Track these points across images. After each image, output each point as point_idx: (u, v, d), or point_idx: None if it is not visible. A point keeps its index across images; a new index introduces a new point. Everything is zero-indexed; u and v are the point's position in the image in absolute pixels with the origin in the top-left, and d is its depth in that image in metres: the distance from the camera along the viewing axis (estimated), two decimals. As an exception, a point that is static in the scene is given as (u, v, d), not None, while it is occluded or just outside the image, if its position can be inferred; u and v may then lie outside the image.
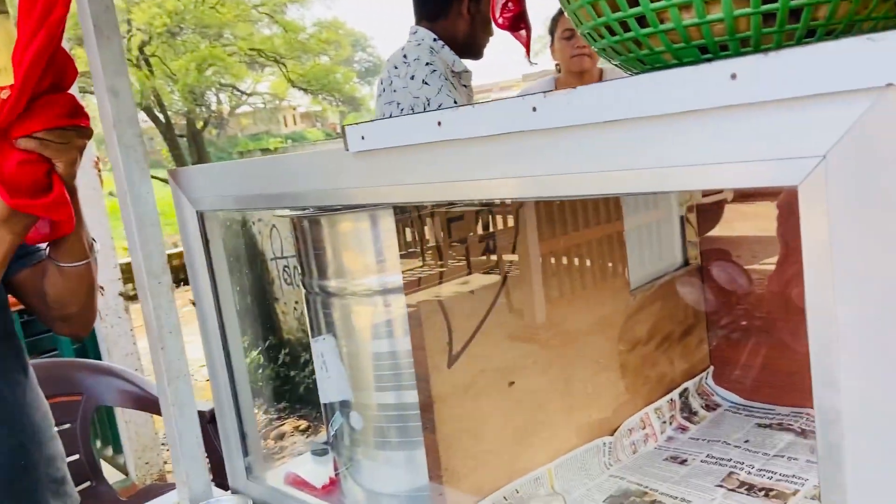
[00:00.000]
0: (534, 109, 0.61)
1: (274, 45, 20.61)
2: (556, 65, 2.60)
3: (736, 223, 1.35)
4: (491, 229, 0.88)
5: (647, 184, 0.55)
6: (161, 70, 18.20)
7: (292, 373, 4.40)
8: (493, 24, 1.81)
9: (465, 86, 1.89)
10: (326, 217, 0.95)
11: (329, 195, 0.87)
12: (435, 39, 1.87)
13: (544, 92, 0.60)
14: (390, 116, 1.70)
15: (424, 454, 0.99)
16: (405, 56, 1.88)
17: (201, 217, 1.11)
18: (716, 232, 1.36)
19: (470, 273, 0.86)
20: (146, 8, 16.89)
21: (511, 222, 0.91)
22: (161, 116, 18.40)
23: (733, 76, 0.48)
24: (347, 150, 0.80)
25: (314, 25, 22.49)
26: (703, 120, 0.50)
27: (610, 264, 1.09)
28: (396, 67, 1.87)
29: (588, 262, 1.05)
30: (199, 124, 21.25)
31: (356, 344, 0.97)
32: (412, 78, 1.82)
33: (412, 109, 1.76)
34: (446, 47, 1.86)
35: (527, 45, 0.86)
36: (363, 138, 0.78)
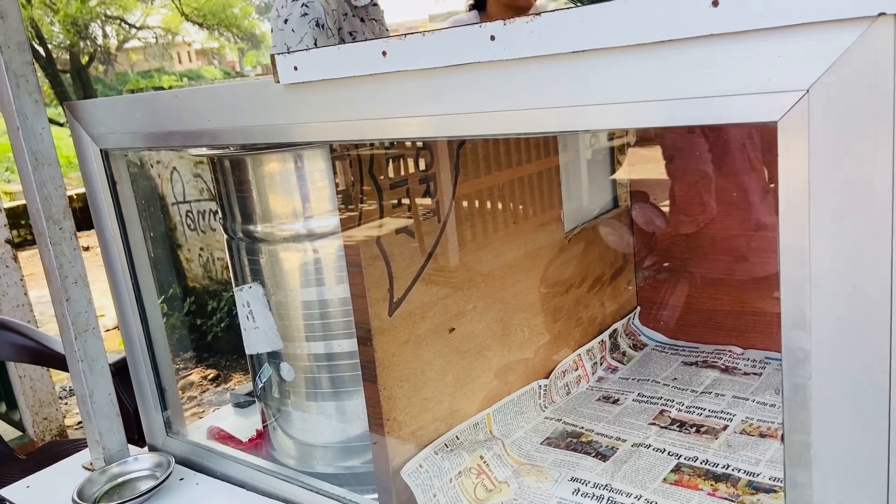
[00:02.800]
0: (492, 38, 0.57)
1: (165, -26, 19.25)
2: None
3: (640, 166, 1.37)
4: (431, 170, 0.84)
5: (619, 119, 0.53)
6: (38, -2, 16.68)
7: (198, 321, 4.26)
8: None
9: (374, 20, 1.73)
10: (252, 156, 0.88)
11: (257, 132, 0.80)
12: None
13: (503, 21, 0.56)
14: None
15: (357, 404, 0.96)
16: None
17: (106, 156, 1.01)
18: (639, 175, 1.38)
19: (410, 217, 0.82)
20: (19, -73, 15.33)
21: (450, 163, 0.87)
22: (41, 50, 16.96)
23: (715, 3, 0.45)
24: (278, 81, 0.73)
25: (210, -46, 21.11)
26: (681, 50, 0.48)
27: (546, 208, 1.08)
28: (282, 6, 1.64)
29: (525, 205, 1.03)
30: (84, 59, 19.74)
31: (286, 292, 0.92)
32: (286, 21, 1.61)
33: None
34: None
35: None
36: (296, 69, 0.71)
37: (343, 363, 0.92)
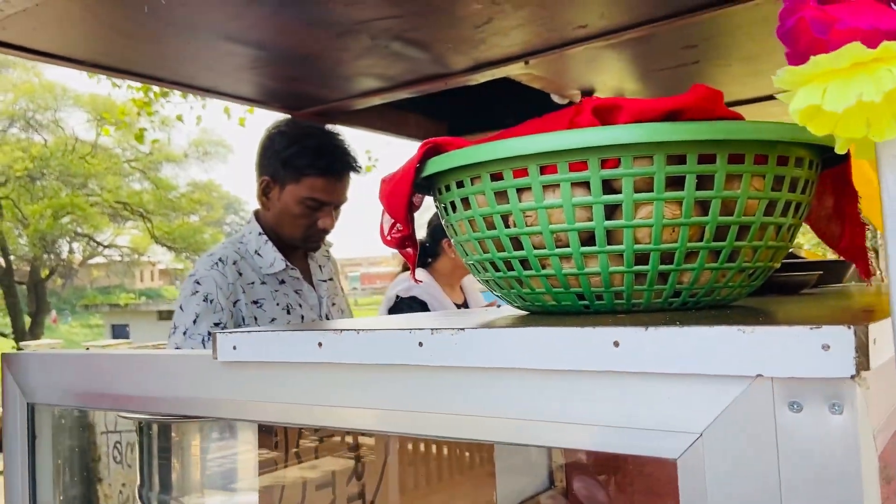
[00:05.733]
0: (420, 345, 0.60)
1: (142, 200, 20.23)
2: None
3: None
4: (360, 451, 0.84)
5: (528, 436, 0.55)
6: (12, 213, 17.21)
7: (108, 567, 3.84)
8: (322, 228, 1.61)
9: (297, 279, 1.66)
10: (178, 425, 0.87)
11: (189, 404, 0.80)
12: (260, 233, 1.63)
13: (432, 329, 0.60)
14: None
15: None
16: (210, 254, 1.61)
17: (31, 409, 0.98)
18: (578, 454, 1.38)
19: (335, 499, 0.79)
20: (8, 151, 16.25)
21: (382, 447, 0.87)
22: (1, 261, 17.11)
23: (616, 343, 0.49)
24: (216, 358, 0.75)
25: (188, 185, 22.44)
26: (586, 380, 0.51)
27: (478, 489, 1.06)
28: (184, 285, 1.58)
29: (457, 489, 1.02)
30: (45, 272, 19.90)
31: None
32: (178, 301, 1.57)
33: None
34: (268, 244, 1.62)
35: (412, 263, 0.88)
36: (234, 348, 0.74)
37: None
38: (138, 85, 6.17)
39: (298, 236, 1.64)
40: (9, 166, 16.13)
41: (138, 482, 0.94)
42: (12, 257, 17.94)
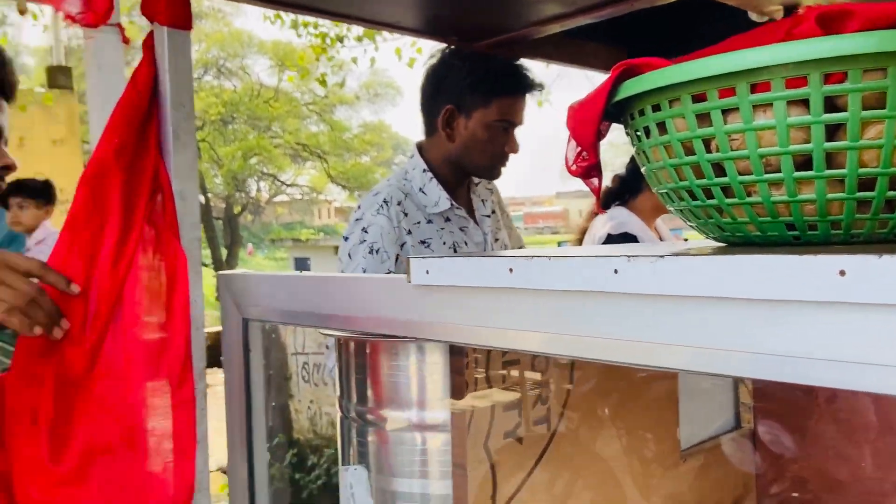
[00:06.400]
0: (615, 272, 0.59)
1: (319, 141, 21.42)
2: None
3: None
4: (546, 377, 0.85)
5: (737, 368, 0.52)
6: (208, 155, 18.91)
7: (297, 475, 4.26)
8: (509, 153, 1.59)
9: (462, 217, 1.65)
10: (375, 342, 0.93)
11: (383, 324, 0.85)
12: (424, 170, 1.61)
13: (628, 256, 0.59)
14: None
15: None
16: (375, 193, 1.61)
17: (245, 324, 1.09)
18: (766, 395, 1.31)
19: (520, 422, 0.82)
20: (204, 97, 17.78)
21: (566, 374, 0.88)
22: (201, 198, 18.96)
23: (842, 273, 0.46)
24: (409, 282, 0.79)
25: (360, 126, 23.42)
26: (805, 311, 0.48)
27: (661, 423, 1.05)
28: (351, 223, 1.60)
29: (639, 419, 1.01)
30: (237, 209, 21.83)
31: (388, 480, 0.92)
32: (346, 239, 1.59)
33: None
34: (433, 181, 1.60)
35: (597, 193, 0.86)
36: (427, 272, 0.77)
37: (440, 565, 0.89)
38: (316, 32, 6.46)
39: (485, 163, 1.62)
40: (204, 111, 17.67)
41: (338, 392, 1.03)
42: (209, 195, 19.84)
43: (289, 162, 22.88)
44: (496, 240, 1.77)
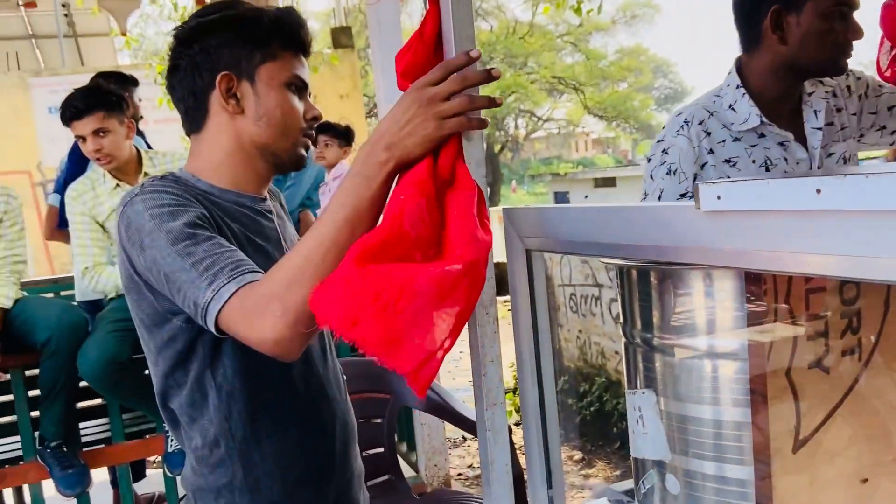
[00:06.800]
0: (951, 187, 0.53)
1: (574, 72, 21.11)
2: None
3: None
4: (856, 305, 0.79)
5: None
6: (469, 96, 19.64)
7: (569, 401, 4.42)
8: (852, 40, 1.44)
9: (778, 133, 1.54)
10: (660, 270, 0.94)
11: (670, 252, 0.85)
12: (738, 86, 1.55)
13: (968, 168, 0.52)
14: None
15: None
16: (678, 114, 1.61)
17: (528, 255, 1.16)
18: None
19: (827, 352, 0.77)
20: (465, 40, 18.40)
21: (880, 302, 0.80)
22: (465, 139, 19.85)
23: None
24: (699, 208, 0.78)
25: (616, 53, 22.59)
26: None
27: None
28: (654, 144, 1.62)
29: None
30: (497, 147, 22.55)
31: (678, 405, 0.94)
32: (649, 160, 1.60)
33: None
34: (745, 97, 1.53)
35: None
36: (719, 198, 0.75)
37: (732, 489, 0.89)
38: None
39: (827, 58, 1.49)
40: (465, 54, 18.31)
41: (622, 319, 1.06)
42: (472, 135, 20.68)
43: (545, 97, 22.94)
44: (830, 154, 1.60)
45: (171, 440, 2.66)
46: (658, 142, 1.59)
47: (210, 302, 0.91)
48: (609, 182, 17.88)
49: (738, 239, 0.75)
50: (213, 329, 0.93)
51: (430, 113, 0.91)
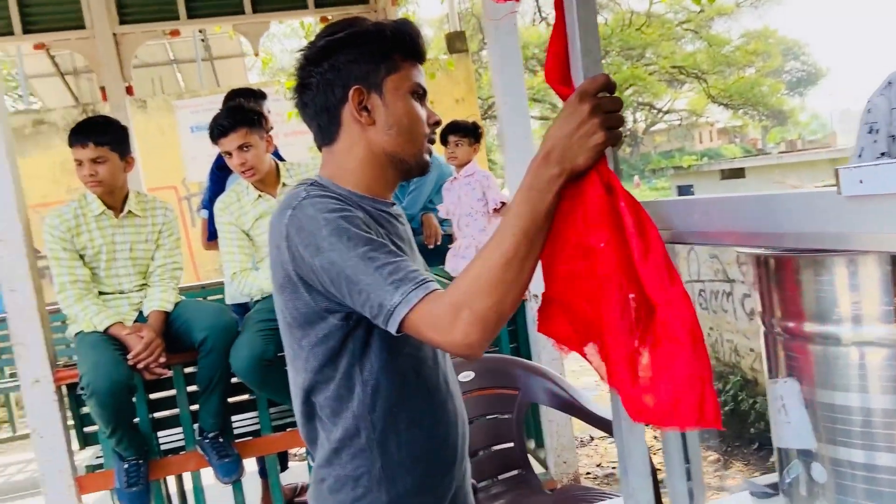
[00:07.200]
0: None
1: (696, 60, 20.26)
2: None
3: None
4: None
5: None
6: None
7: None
8: None
9: None
10: (801, 257, 0.93)
11: (809, 238, 0.84)
12: None
13: None
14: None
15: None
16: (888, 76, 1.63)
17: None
18: None
19: None
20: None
21: None
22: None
23: None
24: (840, 193, 0.77)
25: (741, 37, 21.47)
26: None
27: None
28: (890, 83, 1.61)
29: None
30: (616, 143, 21.98)
31: (824, 393, 0.92)
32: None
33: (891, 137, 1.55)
34: None
35: None
36: (861, 182, 0.74)
37: (883, 477, 0.87)
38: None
39: None
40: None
41: (760, 309, 1.05)
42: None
43: (664, 88, 22.17)
44: None
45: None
46: (868, 101, 1.63)
47: (398, 305, 0.99)
48: (738, 173, 17.02)
49: (882, 223, 0.74)
50: (394, 330, 1.01)
51: (598, 121, 0.95)
